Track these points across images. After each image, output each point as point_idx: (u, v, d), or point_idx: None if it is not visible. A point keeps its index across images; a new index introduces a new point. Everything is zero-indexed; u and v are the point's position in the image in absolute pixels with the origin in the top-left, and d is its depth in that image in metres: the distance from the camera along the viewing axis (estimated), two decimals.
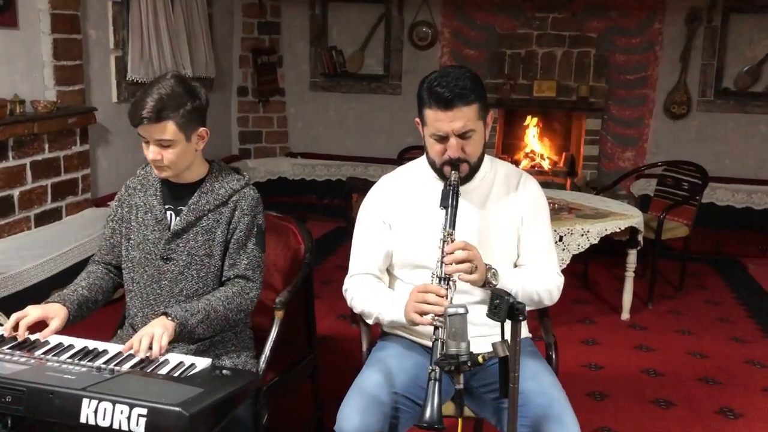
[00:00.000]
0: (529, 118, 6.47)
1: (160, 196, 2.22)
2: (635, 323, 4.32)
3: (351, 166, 6.71)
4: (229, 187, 2.22)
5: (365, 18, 6.55)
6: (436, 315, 1.88)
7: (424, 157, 2.23)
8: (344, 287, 2.27)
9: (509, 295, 1.66)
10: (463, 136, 2.05)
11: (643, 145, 6.31)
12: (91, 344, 1.98)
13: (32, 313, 2.03)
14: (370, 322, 2.22)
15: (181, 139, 2.09)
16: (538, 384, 2.02)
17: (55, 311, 2.06)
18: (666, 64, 6.12)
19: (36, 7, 4.01)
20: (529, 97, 6.21)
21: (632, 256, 4.24)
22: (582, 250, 3.92)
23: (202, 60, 5.69)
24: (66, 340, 2.00)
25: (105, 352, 1.94)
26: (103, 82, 4.66)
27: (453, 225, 1.98)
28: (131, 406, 1.59)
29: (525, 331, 2.25)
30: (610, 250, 4.52)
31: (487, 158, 2.21)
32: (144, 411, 1.58)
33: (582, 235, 3.90)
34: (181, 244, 2.17)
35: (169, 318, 2.01)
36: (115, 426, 1.58)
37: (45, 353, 1.91)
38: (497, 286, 1.99)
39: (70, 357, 1.89)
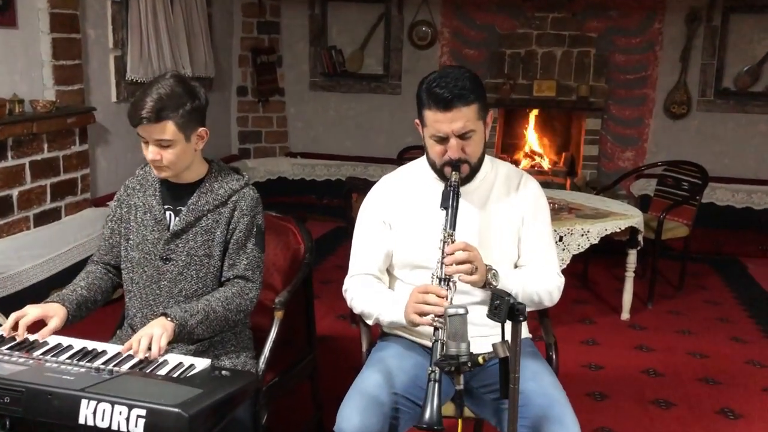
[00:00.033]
0: (528, 117, 6.46)
1: (160, 196, 2.21)
2: (635, 323, 4.32)
3: (351, 165, 6.71)
4: (229, 188, 2.21)
5: (365, 17, 6.55)
6: (436, 316, 1.88)
7: (424, 158, 2.22)
8: (344, 287, 2.26)
9: (509, 295, 1.66)
10: (463, 136, 2.04)
11: (643, 145, 6.30)
12: (90, 345, 1.98)
13: (31, 312, 2.03)
14: (369, 322, 2.21)
15: (180, 139, 2.09)
16: (539, 384, 2.01)
17: (54, 311, 2.06)
18: (666, 64, 6.12)
19: (35, 6, 4.00)
20: (529, 97, 6.21)
21: (632, 256, 4.24)
22: (582, 250, 3.92)
23: (202, 60, 5.68)
24: (65, 340, 2.00)
25: (104, 352, 1.94)
26: (103, 81, 4.66)
27: (453, 226, 1.97)
28: (130, 407, 1.58)
29: (525, 332, 2.25)
30: (610, 250, 4.51)
31: (487, 158, 2.20)
32: (143, 412, 1.57)
33: (582, 235, 3.89)
34: (180, 245, 2.16)
35: (169, 318, 2.01)
36: (114, 427, 1.58)
37: (44, 354, 1.90)
38: (497, 287, 1.99)
39: (68, 357, 1.88)
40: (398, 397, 2.01)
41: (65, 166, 4.20)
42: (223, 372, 1.84)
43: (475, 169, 2.13)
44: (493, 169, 2.23)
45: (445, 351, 1.76)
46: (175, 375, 1.82)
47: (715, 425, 3.14)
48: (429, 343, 1.93)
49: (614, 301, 4.57)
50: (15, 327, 2.00)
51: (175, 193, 2.21)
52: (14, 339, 1.98)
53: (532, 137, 6.48)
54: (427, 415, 1.74)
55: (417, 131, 2.16)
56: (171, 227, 2.18)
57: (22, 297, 3.65)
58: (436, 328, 1.87)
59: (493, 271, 2.01)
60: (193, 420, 1.57)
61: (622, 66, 6.17)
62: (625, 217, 4.10)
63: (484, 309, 1.74)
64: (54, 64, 4.11)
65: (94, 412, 1.59)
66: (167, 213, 2.20)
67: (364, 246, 2.24)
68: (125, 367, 1.84)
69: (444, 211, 2.00)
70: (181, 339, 2.05)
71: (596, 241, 3.93)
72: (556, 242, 3.77)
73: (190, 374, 1.83)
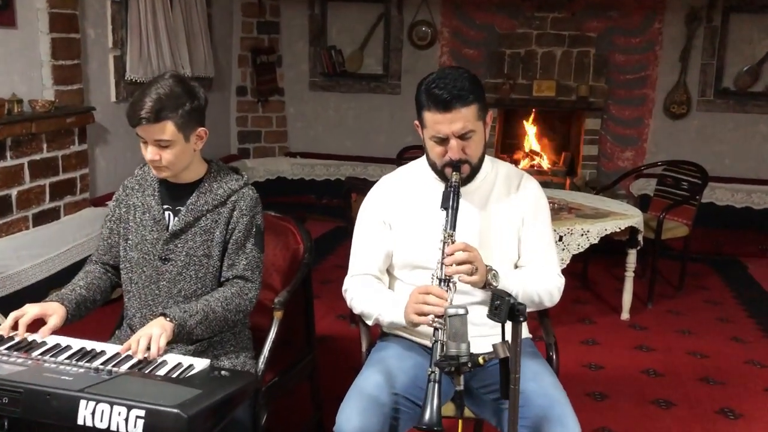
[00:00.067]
0: (528, 117, 6.46)
1: (158, 196, 2.21)
2: (635, 323, 4.32)
3: (350, 165, 6.70)
4: (228, 188, 2.21)
5: (364, 17, 6.54)
6: (435, 316, 1.87)
7: (424, 158, 2.22)
8: (344, 288, 2.26)
9: (510, 296, 1.65)
10: (463, 137, 2.03)
11: (643, 144, 6.30)
12: (89, 345, 1.97)
13: (30, 311, 2.03)
14: (369, 323, 2.21)
15: (179, 140, 2.08)
16: (539, 385, 2.01)
17: (53, 309, 2.06)
18: (666, 64, 6.12)
19: (34, 6, 4.00)
20: (529, 97, 6.20)
21: (632, 256, 4.24)
22: (582, 250, 3.91)
23: (201, 59, 5.68)
24: (63, 340, 1.99)
25: (103, 352, 1.93)
26: (102, 81, 4.65)
27: (453, 226, 1.97)
28: (129, 408, 1.58)
29: (525, 332, 2.24)
30: (609, 249, 4.51)
31: (488, 159, 2.20)
32: (142, 413, 1.57)
33: (582, 234, 3.89)
34: (179, 245, 2.16)
35: (168, 319, 2.00)
36: (113, 428, 1.57)
37: (42, 354, 1.90)
38: (498, 287, 1.98)
39: (67, 358, 1.88)
40: (398, 397, 2.00)
41: (64, 166, 4.19)
42: (223, 372, 1.83)
43: (475, 170, 2.13)
44: (494, 169, 2.22)
45: (445, 351, 1.75)
46: (174, 375, 1.81)
47: (715, 425, 3.13)
48: (429, 343, 1.92)
49: (614, 301, 4.56)
50: (14, 327, 2.00)
51: (174, 193, 2.21)
52: (13, 339, 1.97)
53: (531, 137, 6.47)
54: (427, 416, 1.73)
55: (416, 131, 2.16)
56: (170, 227, 2.18)
57: (21, 297, 3.64)
58: (436, 329, 1.87)
59: (494, 271, 2.01)
60: (192, 421, 1.56)
61: (621, 66, 6.17)
62: (625, 216, 4.09)
63: (484, 309, 1.74)
64: (53, 64, 4.11)
65: (93, 413, 1.59)
66: (166, 213, 2.20)
67: (364, 246, 2.23)
68: (124, 368, 1.83)
69: (444, 212, 1.99)
70: (180, 339, 2.04)
71: (596, 241, 3.92)
72: (556, 242, 3.76)
73: (189, 374, 1.82)
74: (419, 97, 2.06)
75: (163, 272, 2.16)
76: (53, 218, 4.14)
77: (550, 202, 2.30)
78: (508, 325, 1.66)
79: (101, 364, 1.84)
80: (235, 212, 2.19)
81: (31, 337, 2.00)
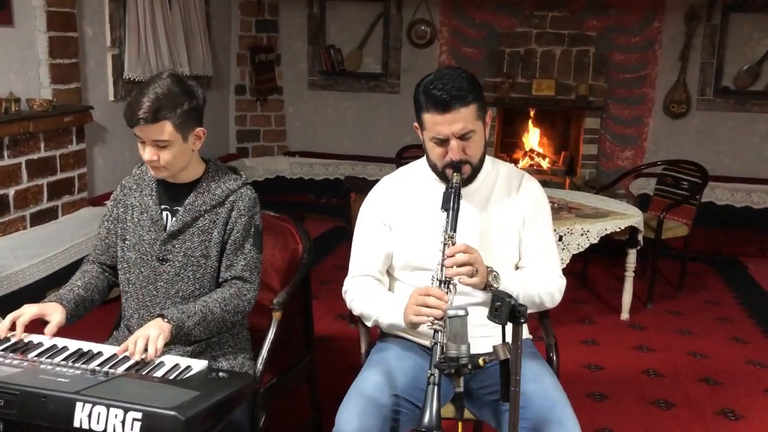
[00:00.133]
0: (528, 117, 6.44)
1: (156, 196, 2.19)
2: (635, 323, 4.30)
3: (349, 165, 6.69)
4: (226, 187, 2.19)
5: (363, 16, 6.53)
6: (435, 318, 1.86)
7: (424, 159, 2.20)
8: (344, 289, 2.24)
9: (510, 297, 1.64)
10: (463, 137, 2.02)
11: (642, 144, 6.29)
12: (86, 346, 1.96)
13: (28, 312, 2.01)
14: (369, 324, 2.20)
15: (177, 140, 2.06)
16: (539, 386, 2.00)
17: (52, 309, 2.04)
18: (665, 63, 6.11)
19: (31, 4, 3.98)
20: (528, 96, 6.19)
21: (632, 256, 4.23)
22: (582, 249, 3.90)
23: (200, 58, 5.66)
24: (60, 341, 1.98)
25: (100, 354, 1.92)
26: (100, 80, 4.63)
27: (454, 228, 1.95)
28: (126, 410, 1.57)
29: (525, 332, 2.23)
30: (609, 249, 4.50)
31: (488, 159, 2.19)
32: (139, 415, 1.56)
33: (582, 234, 3.88)
34: (177, 245, 2.14)
35: (166, 320, 1.99)
36: (110, 430, 1.56)
37: (39, 355, 1.88)
38: (498, 289, 1.97)
39: (64, 359, 1.86)
40: (398, 398, 1.99)
41: (62, 165, 4.17)
42: (221, 374, 1.82)
43: (476, 170, 2.12)
44: (494, 169, 2.21)
45: (444, 353, 1.74)
46: (171, 377, 1.80)
47: (716, 426, 3.12)
48: (428, 344, 1.91)
49: (614, 301, 4.55)
50: (12, 328, 1.98)
51: (172, 193, 2.19)
52: (9, 340, 1.96)
53: (531, 136, 6.46)
54: (426, 418, 1.72)
55: (416, 133, 2.14)
56: (168, 228, 2.16)
57: (19, 297, 3.63)
58: (435, 331, 1.85)
59: (494, 272, 2.00)
60: (189, 423, 1.55)
61: (621, 65, 6.16)
62: (625, 216, 4.08)
63: (485, 310, 1.73)
64: (51, 63, 4.09)
65: (89, 415, 1.57)
66: (164, 213, 2.18)
67: (364, 247, 2.22)
68: (121, 369, 1.82)
69: (445, 213, 1.98)
70: (178, 340, 2.03)
71: (596, 241, 3.91)
72: (556, 242, 3.75)
73: (186, 376, 1.81)
74: (418, 99, 2.05)
75: (161, 273, 2.15)
76: (51, 218, 4.13)
77: (549, 202, 2.29)
78: (509, 326, 1.65)
79: (98, 365, 1.83)
80: (233, 212, 2.17)
81: (27, 339, 1.98)
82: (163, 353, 1.93)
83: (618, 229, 4.00)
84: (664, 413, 3.23)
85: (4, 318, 2.02)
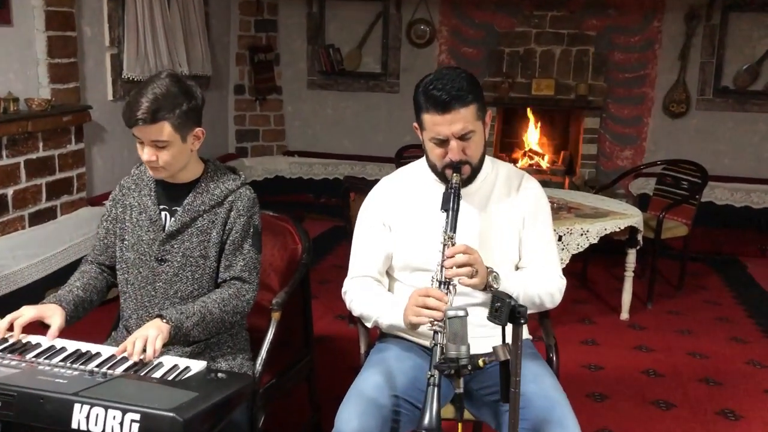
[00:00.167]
0: (527, 116, 6.44)
1: (155, 196, 2.18)
2: (635, 323, 4.30)
3: (348, 164, 6.68)
4: (225, 188, 2.18)
5: (363, 16, 6.52)
6: (435, 319, 1.85)
7: (423, 159, 2.20)
8: (343, 290, 2.24)
9: (510, 298, 1.64)
10: (463, 137, 2.02)
11: (642, 143, 6.28)
12: (84, 346, 1.95)
13: (27, 313, 2.00)
14: (369, 325, 2.19)
15: (176, 140, 2.06)
16: (539, 386, 1.99)
17: (51, 311, 2.03)
18: (665, 63, 6.10)
19: (30, 3, 3.97)
20: (528, 96, 6.18)
21: (631, 256, 4.22)
22: (581, 249, 3.90)
23: (199, 58, 5.65)
24: (58, 342, 1.97)
25: (98, 354, 1.91)
26: (99, 79, 4.62)
27: (454, 228, 1.95)
28: (124, 412, 1.56)
29: (525, 333, 2.22)
30: (609, 249, 4.49)
31: (488, 159, 2.18)
32: (137, 416, 1.55)
33: (581, 234, 3.87)
34: (175, 246, 2.14)
35: (164, 320, 1.98)
36: None
37: (37, 356, 1.87)
38: (498, 290, 1.96)
39: (62, 360, 1.85)
40: (397, 399, 1.98)
41: (61, 165, 4.17)
42: (219, 374, 1.81)
43: (476, 170, 2.11)
44: (494, 169, 2.20)
45: (444, 354, 1.73)
46: (170, 378, 1.79)
47: (716, 426, 3.12)
48: (428, 344, 1.90)
49: (614, 301, 4.54)
50: (10, 328, 1.98)
51: (170, 193, 2.18)
52: (6, 341, 1.95)
53: (530, 136, 6.46)
54: (426, 420, 1.71)
55: (416, 133, 2.14)
56: (166, 228, 2.15)
57: (18, 297, 3.62)
58: (435, 332, 1.85)
59: (494, 273, 1.99)
60: (188, 424, 1.54)
61: (620, 64, 6.15)
62: (625, 216, 4.07)
63: (484, 310, 1.72)
64: (49, 62, 4.08)
65: (88, 417, 1.57)
66: (163, 213, 2.17)
67: (364, 248, 2.21)
68: (119, 370, 1.81)
69: (444, 214, 1.97)
70: (176, 341, 2.02)
71: (595, 241, 3.91)
72: (556, 242, 3.74)
73: (185, 377, 1.80)
74: (417, 100, 2.04)
75: (160, 273, 2.14)
76: (50, 218, 4.12)
77: (549, 202, 2.28)
78: (509, 327, 1.64)
79: (96, 366, 1.82)
80: (232, 212, 2.17)
81: (26, 339, 1.97)
82: (162, 354, 1.92)
83: (617, 229, 3.99)
84: (663, 413, 3.22)
85: (1, 318, 2.01)
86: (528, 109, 6.38)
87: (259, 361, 2.26)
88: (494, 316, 1.65)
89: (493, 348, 1.65)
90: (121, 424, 1.55)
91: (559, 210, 4.11)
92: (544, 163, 6.34)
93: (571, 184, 5.86)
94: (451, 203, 1.97)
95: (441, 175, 2.10)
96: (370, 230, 2.21)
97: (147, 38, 4.91)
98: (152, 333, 1.91)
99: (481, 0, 6.22)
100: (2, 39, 3.81)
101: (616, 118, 6.26)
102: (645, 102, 6.20)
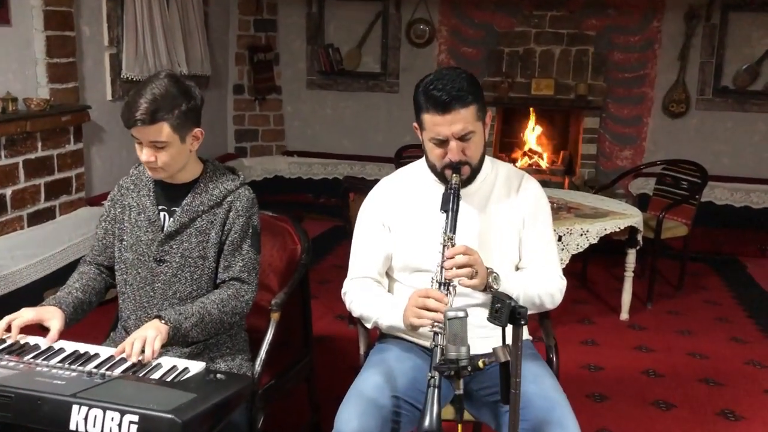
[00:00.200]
0: (527, 116, 6.43)
1: (154, 197, 2.17)
2: (634, 323, 4.29)
3: (348, 164, 6.68)
4: (224, 188, 2.18)
5: (362, 15, 6.51)
6: (436, 321, 1.84)
7: (423, 159, 2.19)
8: (343, 291, 2.23)
9: (510, 299, 1.63)
10: (463, 138, 2.01)
11: (642, 143, 6.28)
12: (82, 348, 1.94)
13: (25, 314, 1.99)
14: (369, 326, 2.18)
15: (175, 141, 2.05)
16: (539, 387, 1.99)
17: (51, 314, 2.02)
18: (664, 63, 6.10)
19: (29, 3, 3.97)
20: (527, 96, 6.18)
21: (631, 256, 4.21)
22: (581, 249, 3.89)
23: (198, 57, 5.65)
24: (56, 343, 1.96)
25: (96, 355, 1.90)
26: (98, 79, 4.62)
27: (454, 229, 1.94)
28: (122, 413, 1.55)
29: (525, 333, 2.22)
30: (609, 249, 4.49)
31: (488, 159, 2.18)
32: (135, 418, 1.54)
33: (581, 234, 3.86)
34: (174, 246, 2.13)
35: (163, 321, 1.97)
36: None
37: (34, 357, 1.86)
38: (498, 290, 1.96)
39: (60, 361, 1.84)
40: (398, 399, 1.98)
41: (59, 165, 4.16)
42: (218, 375, 1.80)
43: (475, 171, 2.11)
44: (494, 170, 2.20)
45: (444, 355, 1.73)
46: (168, 379, 1.78)
47: (716, 426, 3.11)
48: (428, 344, 1.90)
49: (613, 301, 4.54)
50: (8, 329, 1.97)
51: (169, 193, 2.18)
52: (4, 342, 1.94)
53: (530, 136, 6.45)
54: (427, 422, 1.71)
55: (415, 133, 2.13)
56: (165, 228, 2.15)
57: (16, 297, 3.62)
58: (435, 334, 1.84)
59: (494, 274, 1.98)
60: (186, 426, 1.53)
61: (620, 64, 6.15)
62: (625, 216, 4.07)
63: (484, 310, 1.71)
64: (48, 62, 4.07)
65: (86, 418, 1.56)
66: (161, 214, 2.17)
67: (364, 249, 2.21)
68: (118, 371, 1.80)
69: (444, 215, 1.97)
70: (175, 342, 2.01)
71: (595, 241, 3.90)
72: (556, 242, 3.74)
73: (184, 378, 1.79)
74: (417, 99, 2.04)
75: (158, 274, 2.13)
76: (48, 218, 4.11)
77: (549, 202, 2.28)
78: (509, 328, 1.63)
79: (94, 367, 1.81)
80: (231, 213, 2.16)
81: (24, 340, 1.96)
82: (161, 355, 1.91)
83: (617, 229, 3.98)
84: (663, 414, 3.22)
85: (0, 318, 2.00)
86: (528, 109, 6.38)
87: (259, 361, 2.25)
88: (494, 317, 1.64)
89: (493, 349, 1.65)
90: (120, 425, 1.54)
91: (558, 210, 4.10)
92: (544, 163, 6.33)
93: (570, 184, 5.85)
94: (450, 204, 1.96)
95: (440, 176, 2.10)
96: (369, 231, 2.20)
97: (146, 38, 4.90)
98: (151, 334, 1.91)
99: (480, 0, 6.22)
100: (1, 39, 3.81)
101: (616, 118, 6.25)
102: (645, 102, 6.20)
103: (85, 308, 2.15)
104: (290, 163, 6.80)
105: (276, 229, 2.63)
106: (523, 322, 1.61)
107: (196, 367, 1.85)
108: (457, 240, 1.94)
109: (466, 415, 2.13)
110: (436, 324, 1.84)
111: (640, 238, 4.15)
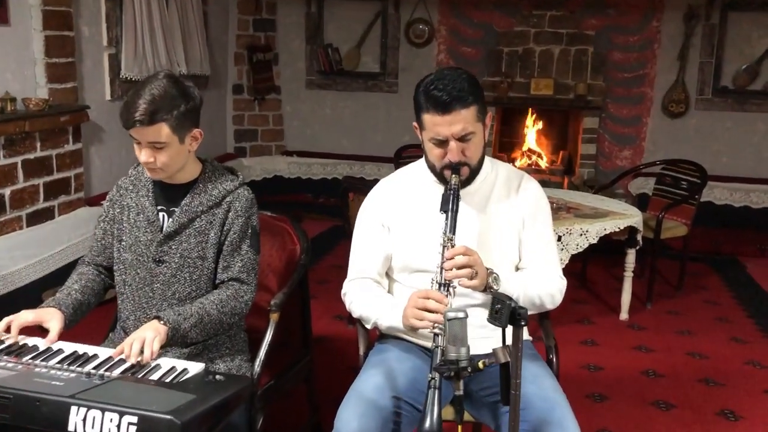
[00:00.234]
0: (526, 116, 6.43)
1: (152, 197, 2.17)
2: (634, 323, 4.29)
3: (347, 164, 6.67)
4: (223, 188, 2.17)
5: (361, 15, 6.51)
6: (437, 323, 1.84)
7: (422, 160, 2.19)
8: (343, 291, 2.23)
9: (511, 299, 1.62)
10: (462, 139, 2.01)
11: (641, 143, 6.27)
12: (81, 348, 1.94)
13: (25, 316, 1.99)
14: (368, 326, 2.18)
15: (174, 141, 2.04)
16: (539, 388, 1.98)
17: (50, 315, 2.01)
18: (664, 62, 6.09)
19: (28, 3, 3.96)
20: (527, 96, 6.18)
21: (631, 256, 4.21)
22: (581, 250, 3.88)
23: (197, 57, 5.64)
24: (55, 344, 1.95)
25: (95, 356, 1.90)
26: (96, 79, 4.61)
27: (453, 230, 1.94)
28: (121, 414, 1.55)
29: (525, 334, 2.21)
30: (608, 249, 4.48)
31: (487, 160, 2.17)
32: (134, 419, 1.54)
33: (581, 234, 3.86)
34: (173, 246, 2.12)
35: (162, 322, 1.96)
36: None
37: (33, 358, 1.86)
38: (498, 291, 1.95)
39: (58, 362, 1.84)
40: (397, 400, 1.97)
41: (58, 165, 4.15)
42: (217, 376, 1.80)
43: (475, 171, 2.10)
44: (494, 170, 2.19)
45: (444, 356, 1.72)
46: (167, 380, 1.78)
47: (716, 426, 3.11)
48: (428, 344, 1.90)
49: (613, 301, 4.54)
50: (7, 330, 1.96)
51: (168, 193, 2.17)
52: (2, 343, 1.94)
53: (529, 136, 6.45)
54: (427, 424, 1.70)
55: (415, 133, 2.13)
56: (164, 229, 2.14)
57: (15, 298, 3.61)
58: (435, 335, 1.83)
59: (494, 274, 1.98)
60: (185, 427, 1.53)
61: (620, 64, 6.14)
62: (624, 216, 4.06)
63: (484, 311, 1.71)
64: (47, 62, 4.06)
65: (84, 419, 1.55)
66: (160, 214, 2.16)
67: (363, 249, 2.20)
68: (116, 372, 1.80)
69: (443, 215, 1.96)
70: (174, 342, 2.01)
71: (595, 241, 3.89)
72: (555, 242, 3.73)
73: (183, 379, 1.79)
74: (418, 99, 2.03)
75: (157, 274, 2.13)
76: (47, 218, 4.11)
77: (548, 202, 2.27)
78: (509, 329, 1.63)
79: (93, 368, 1.81)
80: (230, 213, 2.15)
81: (22, 341, 1.96)
82: (160, 356, 1.91)
83: (617, 229, 3.98)
84: (663, 414, 3.22)
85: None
86: (527, 109, 6.37)
87: (258, 362, 2.24)
88: (494, 318, 1.63)
89: (493, 350, 1.64)
90: (118, 426, 1.54)
91: (558, 210, 4.10)
92: (543, 163, 6.33)
93: (570, 184, 5.85)
94: (450, 204, 1.96)
95: (440, 176, 2.09)
96: (369, 232, 2.20)
97: (145, 38, 4.90)
98: (150, 335, 1.90)
99: (479, 0, 6.22)
100: (0, 39, 3.80)
101: (615, 118, 6.25)
102: (644, 102, 6.19)
103: (84, 309, 2.15)
104: (289, 163, 6.80)
105: (275, 230, 2.62)
106: (523, 323, 1.61)
107: (195, 367, 1.84)
108: (457, 240, 1.93)
109: (466, 416, 2.12)
110: (436, 325, 1.83)
111: (639, 238, 4.14)
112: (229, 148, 6.71)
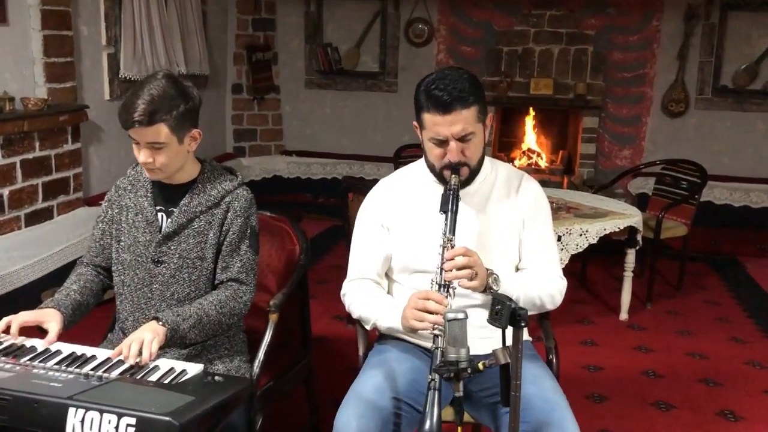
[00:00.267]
0: (525, 116, 6.42)
1: (151, 197, 2.16)
2: (634, 323, 4.29)
3: (347, 164, 6.66)
4: (222, 188, 2.16)
5: (361, 14, 6.50)
6: (437, 324, 1.83)
7: (422, 160, 2.18)
8: (342, 292, 2.22)
9: (511, 300, 1.62)
10: (462, 139, 2.00)
11: (641, 143, 6.27)
12: (80, 350, 1.93)
13: (24, 316, 1.98)
14: (368, 327, 2.17)
15: (173, 142, 2.03)
16: (539, 388, 1.98)
17: (49, 316, 2.01)
18: (664, 62, 6.09)
19: (26, 2, 3.95)
20: (526, 95, 6.17)
21: (631, 256, 4.20)
22: (580, 250, 3.88)
23: (196, 57, 5.63)
24: (53, 345, 1.95)
25: (93, 357, 1.89)
26: (95, 79, 4.60)
27: (453, 230, 1.93)
28: (119, 416, 1.54)
29: (525, 334, 2.21)
30: (608, 249, 4.48)
31: (487, 160, 2.17)
32: (133, 420, 1.53)
33: (581, 234, 3.85)
34: (172, 247, 2.12)
35: (160, 323, 1.96)
36: None
37: (31, 359, 1.85)
38: (498, 292, 1.95)
39: (57, 363, 1.83)
40: (397, 401, 1.97)
41: (57, 165, 4.14)
42: (216, 378, 1.79)
43: (474, 172, 2.10)
44: (493, 170, 2.19)
45: (444, 357, 1.71)
46: (166, 381, 1.77)
47: (716, 427, 3.11)
48: (428, 344, 1.89)
49: (613, 302, 4.53)
50: (6, 331, 1.95)
51: (167, 194, 2.16)
52: (1, 343, 1.93)
53: (529, 135, 6.44)
54: (428, 425, 1.69)
55: (415, 132, 2.12)
56: (163, 229, 2.13)
57: (14, 298, 3.60)
58: (435, 336, 1.83)
59: (494, 275, 1.97)
60: (184, 428, 1.52)
61: (619, 64, 6.14)
62: (624, 216, 4.06)
63: (484, 311, 1.70)
64: (45, 62, 4.05)
65: (82, 421, 1.55)
66: (159, 214, 2.15)
67: (363, 250, 2.20)
68: (115, 373, 1.79)
69: (443, 216, 1.96)
70: (173, 343, 2.00)
71: (595, 241, 3.89)
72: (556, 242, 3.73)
73: (182, 380, 1.78)
74: (418, 99, 2.02)
75: (156, 275, 2.12)
76: (46, 218, 4.09)
77: (549, 202, 2.27)
78: (509, 329, 1.62)
79: (91, 369, 1.80)
80: (229, 213, 2.15)
81: (21, 342, 1.95)
82: (158, 357, 1.90)
83: (617, 229, 3.97)
84: (663, 414, 3.21)
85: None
86: (526, 109, 6.37)
87: (257, 363, 2.24)
88: (494, 318, 1.63)
89: (493, 351, 1.64)
90: (117, 428, 1.53)
91: (558, 210, 4.09)
92: (543, 163, 6.32)
93: (569, 184, 5.84)
94: (449, 205, 1.95)
95: (439, 176, 2.09)
96: (368, 232, 2.19)
97: (144, 37, 4.89)
98: (148, 336, 1.90)
99: None
100: None
101: (615, 118, 6.24)
102: (644, 101, 6.19)
103: (83, 310, 2.14)
104: (289, 162, 6.79)
105: (274, 230, 2.62)
106: (523, 324, 1.60)
107: (194, 369, 1.84)
108: (457, 241, 1.93)
109: (466, 417, 2.11)
110: (435, 326, 1.83)
111: (639, 238, 4.14)
112: (228, 147, 6.70)
